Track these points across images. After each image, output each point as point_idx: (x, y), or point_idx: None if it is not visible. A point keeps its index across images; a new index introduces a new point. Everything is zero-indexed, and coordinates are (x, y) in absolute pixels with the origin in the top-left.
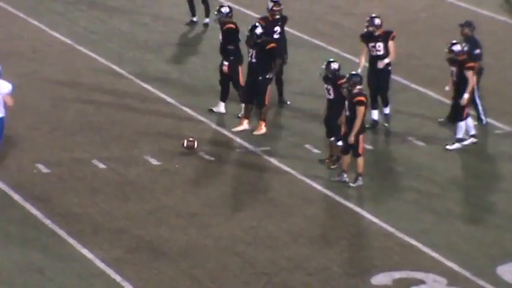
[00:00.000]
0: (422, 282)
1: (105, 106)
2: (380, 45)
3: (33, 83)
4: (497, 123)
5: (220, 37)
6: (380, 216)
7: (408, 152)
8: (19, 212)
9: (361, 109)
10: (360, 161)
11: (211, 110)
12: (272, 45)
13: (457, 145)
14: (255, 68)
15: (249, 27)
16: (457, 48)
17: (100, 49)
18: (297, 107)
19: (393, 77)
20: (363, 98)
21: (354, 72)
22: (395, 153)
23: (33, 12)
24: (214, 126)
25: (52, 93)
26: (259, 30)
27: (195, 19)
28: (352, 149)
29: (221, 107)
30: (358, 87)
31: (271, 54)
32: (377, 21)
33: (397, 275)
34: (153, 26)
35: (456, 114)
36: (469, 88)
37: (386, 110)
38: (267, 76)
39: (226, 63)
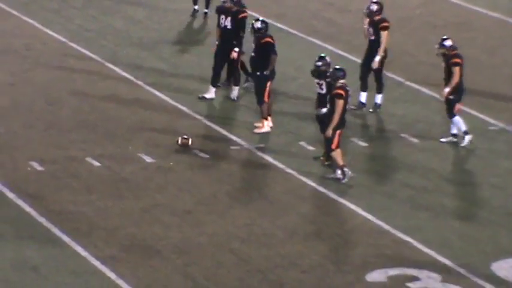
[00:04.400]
0: (416, 278)
1: (99, 104)
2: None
3: (28, 81)
4: (491, 119)
5: (230, 25)
6: (374, 213)
7: (402, 148)
8: (13, 210)
9: (339, 102)
10: (335, 154)
11: (203, 97)
12: (266, 39)
13: (468, 137)
14: (254, 63)
15: (252, 22)
16: (448, 43)
17: (94, 47)
18: (292, 104)
19: (387, 73)
20: (341, 91)
21: (337, 67)
22: (390, 150)
23: (27, 10)
24: (208, 123)
25: (46, 91)
26: (258, 25)
27: (196, 7)
28: (326, 144)
29: (212, 93)
30: (341, 81)
31: (266, 49)
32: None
33: (392, 271)
34: (148, 23)
35: (447, 110)
36: (453, 83)
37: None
38: (265, 72)
39: (236, 49)
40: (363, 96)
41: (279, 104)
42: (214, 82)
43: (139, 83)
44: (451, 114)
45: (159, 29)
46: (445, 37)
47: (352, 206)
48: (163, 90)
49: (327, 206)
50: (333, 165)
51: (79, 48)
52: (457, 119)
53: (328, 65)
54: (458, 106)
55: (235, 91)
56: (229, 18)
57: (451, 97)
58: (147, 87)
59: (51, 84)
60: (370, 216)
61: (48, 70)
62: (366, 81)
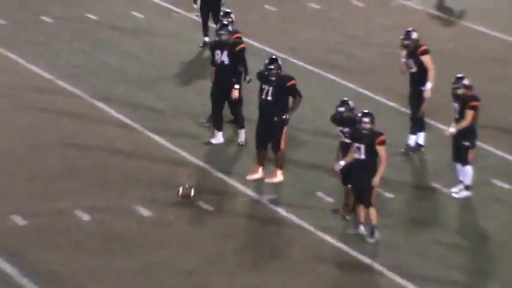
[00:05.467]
0: None
1: (90, 149)
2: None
3: (9, 124)
4: None
5: (226, 58)
6: (402, 275)
7: (434, 200)
8: None
9: (384, 150)
10: (373, 211)
11: (208, 143)
12: (293, 82)
13: (466, 193)
14: (270, 108)
15: (266, 61)
16: (464, 82)
17: (84, 85)
18: (309, 150)
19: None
20: (385, 137)
21: (366, 111)
22: (419, 201)
23: (9, 44)
24: (213, 171)
25: (30, 135)
26: (280, 63)
27: (207, 39)
28: (363, 197)
29: (219, 137)
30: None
31: (291, 92)
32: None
33: None
34: (145, 58)
35: (460, 156)
36: (463, 125)
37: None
38: (284, 117)
39: (237, 87)
40: (412, 139)
41: (294, 149)
42: (218, 125)
43: (136, 125)
44: (466, 161)
45: (158, 64)
46: (460, 75)
47: (377, 266)
48: (163, 134)
49: (348, 265)
50: (355, 218)
51: (67, 86)
52: (469, 168)
53: (351, 110)
54: (472, 153)
55: (242, 135)
56: (225, 53)
57: (465, 143)
58: (145, 131)
59: (36, 127)
60: (397, 278)
61: (32, 111)
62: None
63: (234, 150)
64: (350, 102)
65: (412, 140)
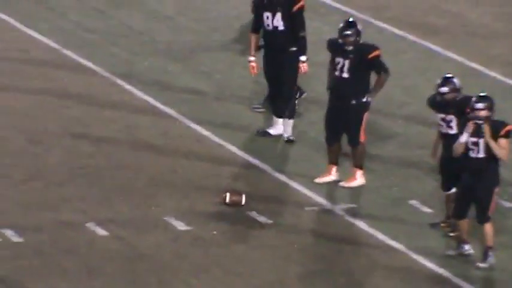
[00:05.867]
0: None
1: (107, 142)
2: None
3: (1, 108)
4: None
5: (280, 20)
6: None
7: None
8: None
9: (507, 142)
10: (489, 228)
11: (265, 133)
12: (377, 52)
13: None
14: (346, 87)
15: (341, 24)
16: None
17: (99, 56)
18: (399, 144)
19: None
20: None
21: (482, 94)
22: None
23: (2, 3)
24: (271, 172)
25: (27, 123)
26: (359, 28)
27: None
28: (477, 210)
29: (280, 126)
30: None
31: (374, 66)
32: None
33: None
34: (180, 21)
35: None
36: None
37: None
38: (364, 99)
39: (304, 58)
40: None
41: (378, 143)
42: (280, 111)
43: (167, 110)
44: None
45: (197, 29)
46: None
47: None
48: (203, 122)
49: None
50: (460, 236)
51: (76, 57)
52: None
53: (457, 90)
54: None
55: (288, 127)
56: (279, 15)
57: None
58: (180, 117)
59: (34, 112)
60: None
61: (30, 91)
62: None
63: (297, 144)
64: (455, 80)
65: None
